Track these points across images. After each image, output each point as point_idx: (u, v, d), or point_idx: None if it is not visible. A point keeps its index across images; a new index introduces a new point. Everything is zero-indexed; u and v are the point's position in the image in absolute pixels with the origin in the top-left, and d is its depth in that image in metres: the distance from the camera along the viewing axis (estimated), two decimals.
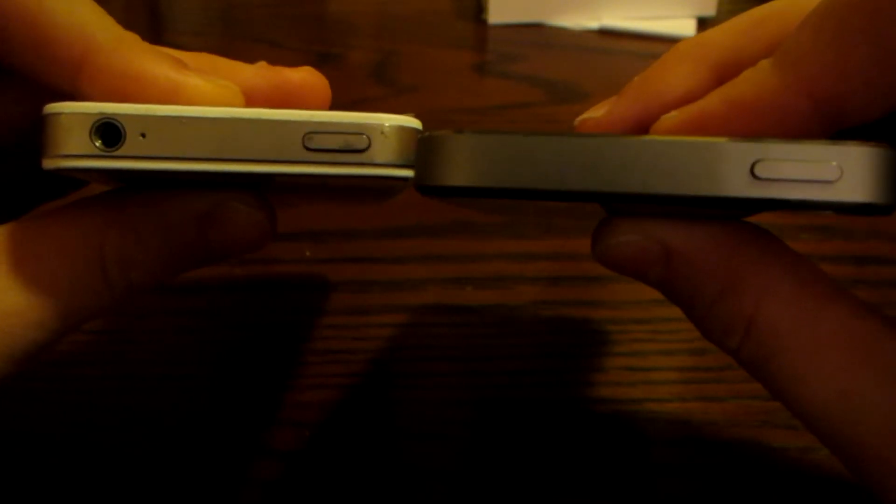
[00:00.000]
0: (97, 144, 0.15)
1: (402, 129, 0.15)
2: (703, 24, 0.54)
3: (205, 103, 0.15)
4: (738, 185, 0.14)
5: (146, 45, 0.16)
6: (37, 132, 0.15)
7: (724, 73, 0.17)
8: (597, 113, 0.19)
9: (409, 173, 0.16)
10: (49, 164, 0.15)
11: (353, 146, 0.15)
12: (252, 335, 0.29)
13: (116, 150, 0.15)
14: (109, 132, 0.15)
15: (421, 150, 0.15)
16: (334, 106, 0.17)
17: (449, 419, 0.26)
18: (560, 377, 0.27)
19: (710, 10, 0.54)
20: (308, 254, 0.32)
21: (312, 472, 0.24)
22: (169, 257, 0.17)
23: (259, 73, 0.19)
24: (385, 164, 0.15)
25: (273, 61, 0.20)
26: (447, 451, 0.25)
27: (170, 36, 0.55)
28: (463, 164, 0.14)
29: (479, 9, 0.57)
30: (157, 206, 0.17)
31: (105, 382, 0.27)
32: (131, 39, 0.16)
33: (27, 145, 0.19)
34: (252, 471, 0.24)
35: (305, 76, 0.19)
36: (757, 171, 0.14)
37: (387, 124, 0.15)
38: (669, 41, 0.52)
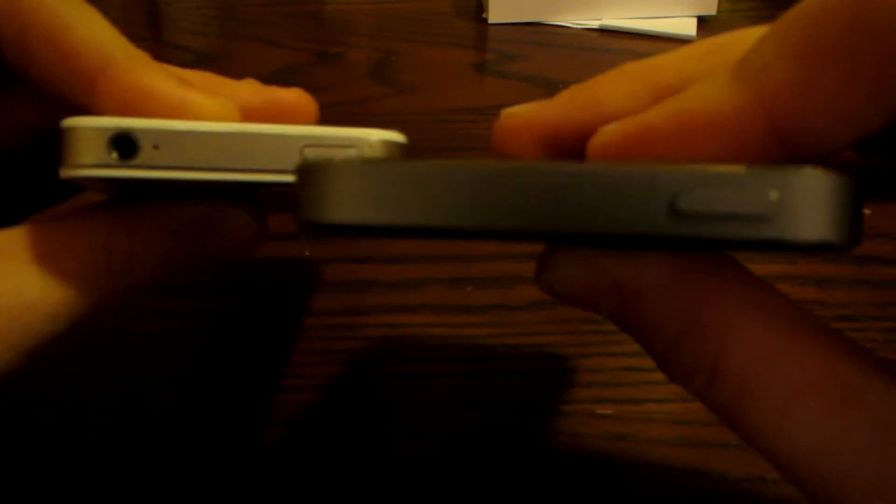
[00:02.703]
0: (113, 156, 0.16)
1: (387, 143, 0.17)
2: (703, 23, 0.54)
3: (207, 118, 0.17)
4: (654, 223, 0.12)
5: (156, 63, 0.17)
6: (55, 143, 0.16)
7: (666, 96, 0.15)
8: (524, 109, 0.18)
9: None
10: (67, 173, 0.16)
11: None
12: (251, 335, 0.29)
13: (131, 160, 0.16)
14: (125, 144, 0.16)
15: (301, 179, 0.14)
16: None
17: (448, 419, 0.26)
18: (560, 377, 0.27)
19: (710, 9, 0.54)
20: (308, 254, 0.32)
21: (312, 473, 0.24)
22: (169, 258, 0.18)
23: (253, 91, 0.21)
24: None
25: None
26: (447, 452, 0.25)
27: (168, 35, 0.55)
28: (343, 199, 0.13)
29: (480, 8, 0.57)
30: (160, 211, 0.18)
31: (104, 382, 0.27)
32: (143, 57, 0.17)
33: (32, 151, 0.20)
34: (250, 472, 0.24)
35: (296, 96, 0.21)
36: (678, 204, 0.11)
37: (372, 138, 0.17)
38: (670, 40, 0.52)
